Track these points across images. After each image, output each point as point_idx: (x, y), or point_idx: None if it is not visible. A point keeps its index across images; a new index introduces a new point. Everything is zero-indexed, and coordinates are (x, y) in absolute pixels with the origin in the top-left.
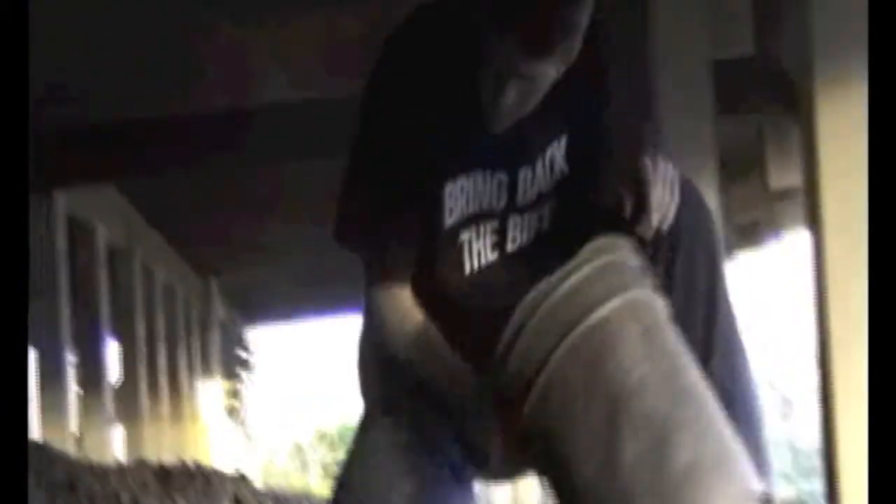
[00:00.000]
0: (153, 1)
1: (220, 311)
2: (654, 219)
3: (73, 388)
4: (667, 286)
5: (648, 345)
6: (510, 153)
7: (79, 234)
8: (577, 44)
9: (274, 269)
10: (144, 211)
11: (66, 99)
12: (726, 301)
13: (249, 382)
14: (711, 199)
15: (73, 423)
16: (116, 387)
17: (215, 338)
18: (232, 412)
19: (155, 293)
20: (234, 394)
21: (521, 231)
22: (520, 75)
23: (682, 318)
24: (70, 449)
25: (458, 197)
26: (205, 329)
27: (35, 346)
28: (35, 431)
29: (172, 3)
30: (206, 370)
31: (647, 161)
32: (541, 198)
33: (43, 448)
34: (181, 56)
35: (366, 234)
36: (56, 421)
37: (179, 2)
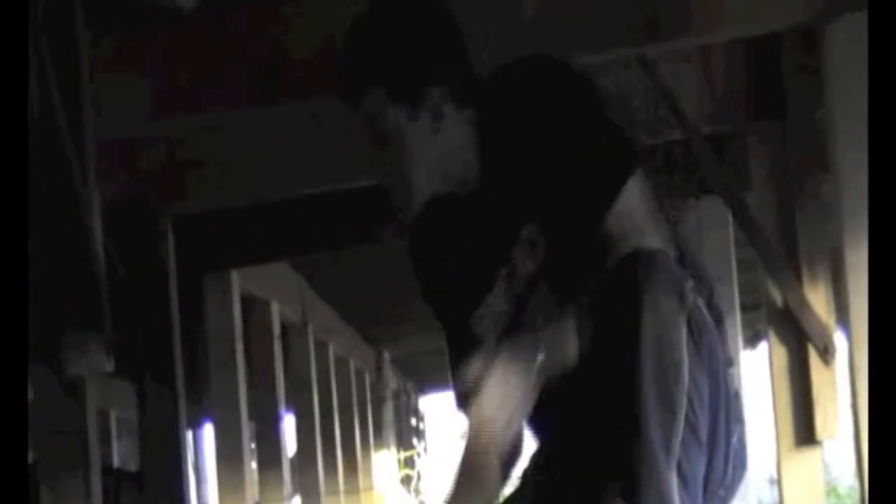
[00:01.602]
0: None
1: (392, 381)
2: None
3: (251, 463)
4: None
5: None
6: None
7: (253, 310)
8: (428, 97)
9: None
10: (317, 285)
11: (241, 181)
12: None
13: (423, 451)
14: None
15: (251, 497)
16: (293, 460)
17: (389, 408)
18: (407, 481)
19: (329, 366)
20: (409, 463)
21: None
22: (375, 123)
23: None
24: None
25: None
26: (378, 399)
27: (214, 422)
28: None
29: None
30: (380, 440)
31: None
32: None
33: None
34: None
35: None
36: (235, 495)
37: None
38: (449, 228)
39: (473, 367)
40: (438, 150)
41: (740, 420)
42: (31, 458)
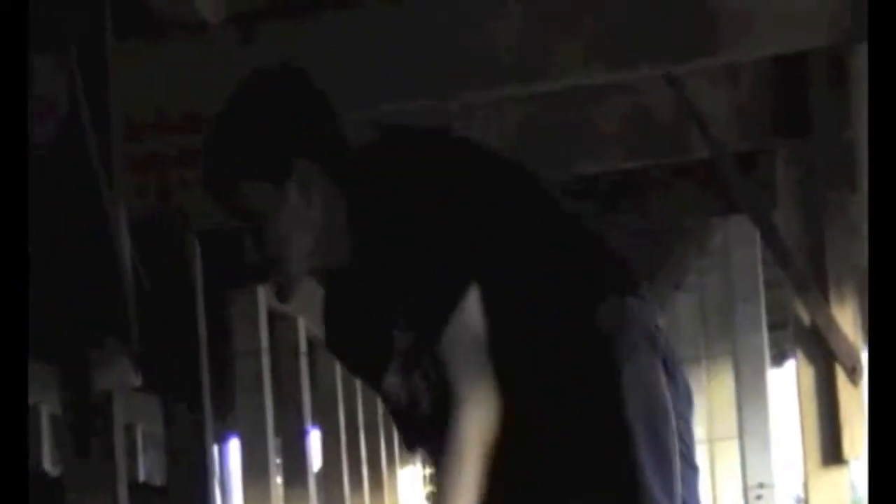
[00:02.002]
0: None
1: None
2: None
3: (277, 479)
4: None
5: None
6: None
7: (280, 326)
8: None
9: None
10: None
11: None
12: None
13: None
14: None
15: None
16: (318, 476)
17: None
18: (432, 498)
19: (354, 382)
20: (434, 480)
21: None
22: (244, 205)
23: None
24: None
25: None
26: None
27: (240, 438)
28: None
29: None
30: (406, 457)
31: None
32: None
33: None
34: None
35: None
36: None
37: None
38: (339, 304)
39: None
40: (309, 225)
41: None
42: (58, 472)
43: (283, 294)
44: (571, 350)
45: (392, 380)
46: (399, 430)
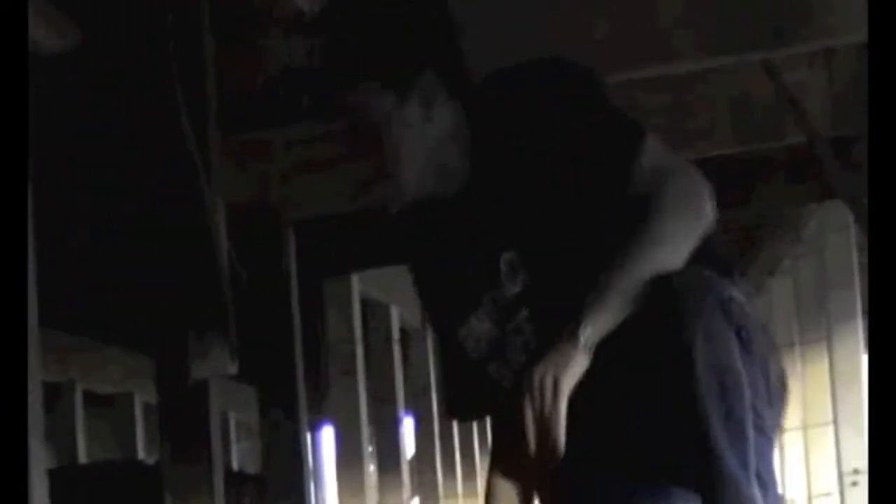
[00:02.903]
0: None
1: None
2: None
3: (370, 466)
4: None
5: None
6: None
7: (373, 314)
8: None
9: None
10: None
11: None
12: None
13: None
14: None
15: (371, 499)
16: (412, 462)
17: None
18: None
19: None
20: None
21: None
22: (359, 116)
23: None
24: None
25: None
26: None
27: (333, 426)
28: None
29: None
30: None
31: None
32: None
33: None
34: None
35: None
36: (354, 498)
37: None
38: (437, 234)
39: (470, 388)
40: (428, 139)
41: (774, 349)
42: (153, 460)
43: (390, 207)
44: (644, 318)
45: (477, 325)
46: (454, 389)
